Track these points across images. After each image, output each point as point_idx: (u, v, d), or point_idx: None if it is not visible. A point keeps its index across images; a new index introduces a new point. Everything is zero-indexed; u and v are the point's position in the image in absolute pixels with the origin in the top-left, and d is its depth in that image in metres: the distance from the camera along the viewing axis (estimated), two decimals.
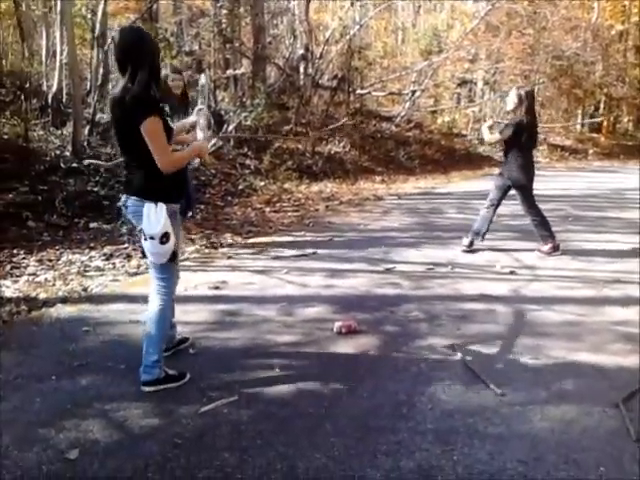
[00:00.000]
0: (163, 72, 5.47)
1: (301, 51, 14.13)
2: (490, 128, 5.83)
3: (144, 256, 2.99)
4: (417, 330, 3.86)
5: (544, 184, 10.80)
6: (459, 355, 3.44)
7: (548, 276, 5.01)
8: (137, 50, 2.80)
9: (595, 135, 20.62)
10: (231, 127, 10.31)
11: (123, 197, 2.97)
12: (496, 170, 6.22)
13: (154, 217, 2.82)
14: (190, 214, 6.01)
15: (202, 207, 7.90)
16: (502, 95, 5.69)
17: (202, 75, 5.14)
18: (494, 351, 3.51)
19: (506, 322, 4.00)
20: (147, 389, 3.02)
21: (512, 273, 5.12)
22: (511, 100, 5.70)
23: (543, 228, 5.84)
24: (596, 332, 3.80)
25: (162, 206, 2.85)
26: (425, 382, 3.13)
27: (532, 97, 5.78)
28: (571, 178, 12.22)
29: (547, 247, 5.80)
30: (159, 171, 2.81)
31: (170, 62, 7.07)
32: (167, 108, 5.03)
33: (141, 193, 2.88)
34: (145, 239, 2.86)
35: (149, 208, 2.83)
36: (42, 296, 4.42)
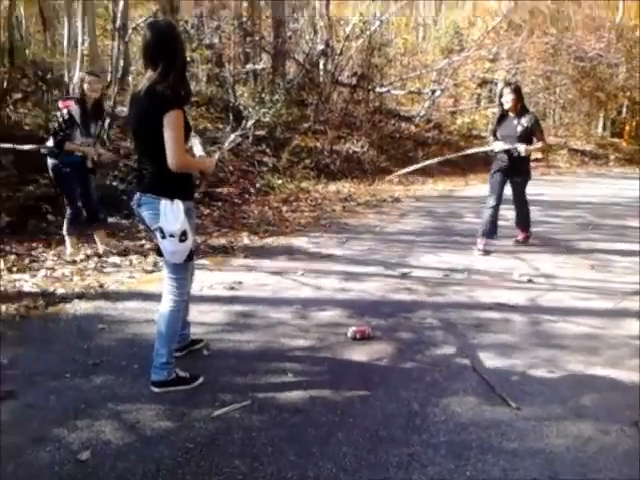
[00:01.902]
0: (80, 75, 5.29)
1: (321, 46, 14.08)
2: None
3: (159, 255, 2.98)
4: (432, 338, 3.83)
5: (564, 190, 10.71)
6: (474, 366, 3.40)
7: (566, 286, 4.95)
8: (172, 45, 2.82)
9: (617, 140, 20.32)
10: (250, 123, 10.30)
11: (136, 195, 2.94)
12: None
13: (172, 214, 2.80)
14: (95, 222, 5.48)
15: (219, 204, 7.91)
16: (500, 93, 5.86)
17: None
18: (510, 362, 3.47)
19: (522, 332, 3.95)
20: (156, 390, 3.02)
21: (530, 282, 5.06)
22: (508, 97, 5.80)
23: (528, 219, 6.28)
24: (614, 346, 3.74)
25: (179, 203, 2.83)
26: (439, 393, 3.10)
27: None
28: (591, 184, 12.04)
29: (522, 236, 6.33)
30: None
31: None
32: (77, 112, 4.94)
33: (157, 190, 2.84)
34: (163, 237, 2.83)
35: (165, 205, 2.81)
36: (60, 291, 4.45)
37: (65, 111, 4.97)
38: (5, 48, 8.35)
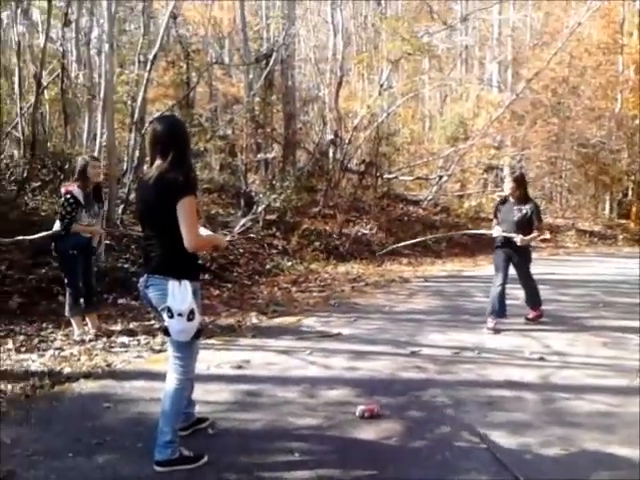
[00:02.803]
0: (83, 160, 5.34)
1: (330, 137, 14.62)
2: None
3: (166, 334, 3.01)
4: (442, 416, 3.74)
5: (573, 269, 10.70)
6: (486, 444, 3.31)
7: (579, 363, 4.86)
8: (182, 137, 3.03)
9: (624, 221, 20.45)
10: (260, 208, 10.55)
11: (144, 276, 3.02)
12: None
13: (179, 294, 2.86)
14: (91, 304, 5.51)
15: (229, 285, 7.98)
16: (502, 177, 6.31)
17: None
18: (522, 441, 3.37)
19: (535, 410, 3.85)
20: (159, 469, 2.95)
21: (541, 359, 4.98)
22: (508, 185, 6.06)
23: (537, 296, 6.24)
24: (630, 424, 3.62)
25: (186, 283, 2.89)
26: (450, 472, 3.01)
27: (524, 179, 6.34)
28: (601, 264, 12.02)
29: (533, 314, 6.29)
30: (184, 249, 2.88)
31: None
32: (80, 195, 5.08)
33: (166, 271, 2.92)
34: (171, 316, 2.86)
35: (174, 286, 2.86)
36: (66, 371, 4.45)
37: (68, 195, 5.13)
38: (28, 141, 8.76)
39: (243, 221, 10.12)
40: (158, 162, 2.96)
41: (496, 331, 5.87)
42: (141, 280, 3.04)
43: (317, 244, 11.02)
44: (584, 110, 19.24)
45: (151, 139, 3.05)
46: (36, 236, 5.52)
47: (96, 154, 9.27)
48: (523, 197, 6.02)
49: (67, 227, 5.13)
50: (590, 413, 3.82)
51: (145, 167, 11.04)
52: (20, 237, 5.69)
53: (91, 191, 5.29)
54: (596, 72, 19.83)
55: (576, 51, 18.89)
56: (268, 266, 9.42)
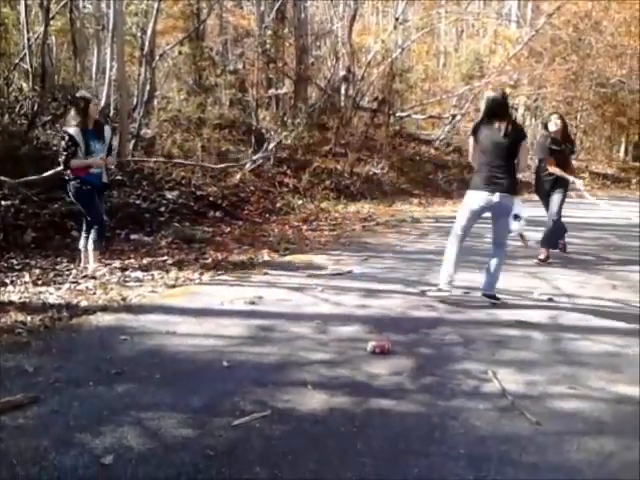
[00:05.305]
0: (84, 96, 5.34)
1: (343, 73, 14.30)
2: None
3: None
4: (451, 354, 3.82)
5: (585, 212, 10.61)
6: (494, 381, 3.39)
7: (588, 305, 4.92)
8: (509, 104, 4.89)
9: (639, 164, 20.16)
10: (271, 145, 10.45)
11: (494, 194, 4.54)
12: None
13: (518, 203, 4.59)
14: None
15: (240, 223, 8.01)
16: (543, 121, 6.76)
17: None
18: (530, 378, 3.45)
19: (542, 350, 3.93)
20: (486, 298, 4.80)
21: (550, 300, 5.04)
22: (556, 122, 6.40)
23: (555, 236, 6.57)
24: (636, 364, 3.69)
25: (518, 198, 4.68)
26: (458, 407, 3.09)
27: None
28: (613, 207, 11.91)
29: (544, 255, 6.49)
30: (516, 175, 4.72)
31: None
32: (77, 133, 5.12)
33: (511, 190, 4.58)
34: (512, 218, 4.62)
35: (515, 200, 4.60)
36: (83, 304, 4.54)
37: (67, 136, 5.13)
38: (37, 74, 8.61)
39: (254, 158, 10.07)
40: (501, 120, 4.56)
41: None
42: (495, 196, 4.53)
43: (328, 183, 10.98)
44: (605, 47, 18.59)
45: (495, 105, 4.61)
46: (45, 174, 5.50)
47: (105, 88, 9.16)
48: (568, 136, 6.56)
49: (65, 162, 5.15)
50: (597, 353, 3.89)
51: (156, 101, 10.92)
52: (30, 177, 5.69)
53: (92, 129, 5.25)
54: (621, 7, 19.05)
55: None
56: (279, 204, 9.43)
